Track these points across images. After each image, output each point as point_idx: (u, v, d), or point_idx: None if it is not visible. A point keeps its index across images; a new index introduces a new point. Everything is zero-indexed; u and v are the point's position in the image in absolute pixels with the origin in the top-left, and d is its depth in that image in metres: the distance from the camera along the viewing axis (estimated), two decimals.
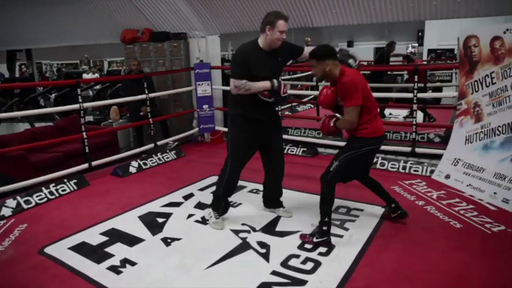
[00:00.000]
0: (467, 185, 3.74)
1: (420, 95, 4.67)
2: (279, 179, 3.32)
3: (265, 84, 2.91)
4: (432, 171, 4.20)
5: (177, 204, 3.67)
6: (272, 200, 3.39)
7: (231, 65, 3.12)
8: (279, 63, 3.03)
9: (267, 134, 3.12)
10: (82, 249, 2.88)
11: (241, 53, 2.96)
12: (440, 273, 2.43)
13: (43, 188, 3.94)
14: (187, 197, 3.85)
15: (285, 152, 5.39)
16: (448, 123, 5.29)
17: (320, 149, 5.33)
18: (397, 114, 7.83)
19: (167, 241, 2.96)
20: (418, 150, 4.54)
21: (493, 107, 3.73)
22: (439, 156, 4.29)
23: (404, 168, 4.40)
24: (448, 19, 5.06)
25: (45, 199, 3.87)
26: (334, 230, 3.02)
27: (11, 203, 3.65)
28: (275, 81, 2.92)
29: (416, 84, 4.47)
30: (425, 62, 10.45)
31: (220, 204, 3.21)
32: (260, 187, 4.01)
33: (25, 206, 3.70)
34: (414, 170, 4.33)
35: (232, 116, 3.09)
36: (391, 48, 7.32)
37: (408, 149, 4.60)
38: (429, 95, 7.31)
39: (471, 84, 3.97)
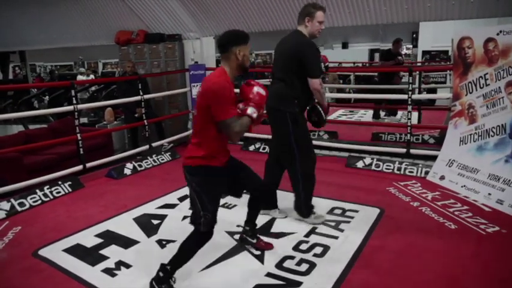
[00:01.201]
0: (461, 186, 3.76)
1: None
2: (280, 179, 3.30)
3: (325, 100, 3.00)
4: (427, 173, 4.22)
5: (172, 206, 3.66)
6: (269, 202, 3.36)
7: (311, 60, 2.87)
8: None
9: None
10: (76, 251, 2.86)
11: (315, 46, 2.93)
12: (435, 274, 2.44)
13: (37, 190, 3.92)
14: (182, 198, 3.83)
15: None
16: (443, 124, 5.32)
17: (315, 151, 5.32)
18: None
19: (162, 243, 2.94)
20: (412, 151, 4.56)
21: (487, 108, 3.75)
22: (433, 158, 4.31)
23: (399, 169, 4.42)
24: (442, 21, 5.09)
25: (40, 201, 3.85)
26: (329, 231, 3.03)
27: (5, 205, 3.62)
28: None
29: (411, 85, 4.50)
30: (419, 64, 10.52)
31: (310, 206, 3.16)
32: None
33: (19, 209, 3.67)
34: (409, 171, 4.35)
35: (294, 115, 2.95)
36: (398, 46, 7.19)
37: (403, 150, 4.62)
38: (423, 96, 7.35)
39: (465, 86, 3.99)
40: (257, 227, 2.81)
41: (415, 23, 9.65)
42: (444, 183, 3.96)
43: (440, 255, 2.65)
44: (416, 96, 5.10)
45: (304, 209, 3.15)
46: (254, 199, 2.66)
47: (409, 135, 4.59)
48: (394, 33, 11.37)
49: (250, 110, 2.16)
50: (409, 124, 4.58)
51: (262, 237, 2.85)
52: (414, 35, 11.88)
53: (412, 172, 4.33)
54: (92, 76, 13.17)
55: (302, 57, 2.86)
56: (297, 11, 5.35)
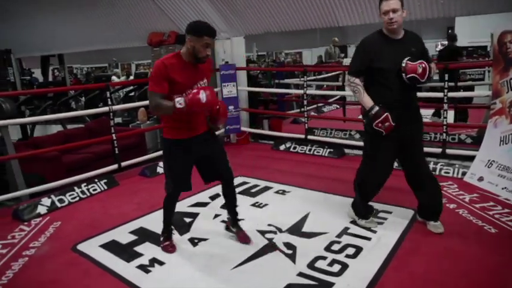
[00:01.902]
0: (502, 188, 3.59)
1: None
2: (410, 180, 3.00)
3: (368, 102, 2.69)
4: (464, 173, 4.07)
5: (203, 205, 3.71)
6: (432, 211, 2.98)
7: (352, 56, 2.82)
8: (410, 53, 2.64)
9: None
10: (112, 247, 2.96)
11: (363, 43, 2.74)
12: (472, 279, 2.35)
13: (75, 188, 4.08)
14: (213, 197, 3.87)
15: (311, 153, 5.36)
16: (481, 123, 5.12)
17: (347, 150, 5.26)
18: (427, 114, 7.64)
19: (194, 241, 2.99)
20: (448, 151, 4.41)
21: None
22: (471, 158, 4.15)
23: (434, 170, 4.26)
24: (480, 15, 4.88)
25: (78, 198, 4.01)
26: (361, 232, 2.98)
27: (46, 201, 3.80)
28: (376, 108, 2.65)
29: (446, 83, 4.34)
30: None
31: (360, 210, 3.07)
32: (286, 188, 4.01)
33: (59, 205, 3.84)
34: (445, 172, 4.21)
35: (367, 121, 2.77)
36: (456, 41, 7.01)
37: (438, 150, 4.47)
38: (460, 94, 7.08)
39: (506, 83, 3.82)
40: (238, 215, 2.98)
41: (450, 18, 9.33)
42: (483, 184, 3.80)
43: (479, 260, 2.54)
44: (452, 94, 4.92)
45: (361, 210, 3.08)
46: (225, 191, 2.91)
47: (444, 134, 4.44)
48: (428, 29, 11.02)
49: (177, 99, 2.32)
50: (444, 123, 4.43)
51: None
52: (450, 31, 11.48)
53: (448, 173, 4.19)
54: (131, 77, 13.53)
55: None
56: (328, 9, 5.35)
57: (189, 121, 2.54)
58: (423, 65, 2.59)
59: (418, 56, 2.64)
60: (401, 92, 2.70)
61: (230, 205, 2.94)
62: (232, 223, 2.98)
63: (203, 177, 2.84)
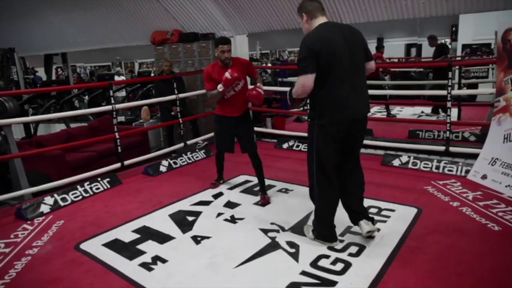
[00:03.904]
0: (506, 186, 3.58)
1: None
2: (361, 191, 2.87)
3: None
4: (467, 171, 4.05)
5: (206, 203, 3.71)
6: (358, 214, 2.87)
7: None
8: None
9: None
10: (115, 245, 2.96)
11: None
12: (476, 277, 2.33)
13: (78, 186, 4.09)
14: (216, 196, 3.88)
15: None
16: (485, 121, 5.09)
17: None
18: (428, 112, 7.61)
19: (197, 239, 2.99)
20: (452, 149, 4.39)
21: None
22: (474, 156, 4.13)
23: (437, 168, 4.26)
24: (485, 12, 4.83)
25: (80, 197, 4.01)
26: None
27: (49, 200, 3.80)
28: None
29: (450, 81, 4.32)
30: (459, 58, 10.09)
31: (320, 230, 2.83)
32: (289, 186, 4.01)
33: (62, 204, 3.84)
34: (448, 170, 4.19)
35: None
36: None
37: (442, 148, 4.45)
38: (464, 92, 7.05)
39: (510, 80, 3.79)
40: (265, 184, 3.77)
41: (454, 16, 9.28)
42: (486, 182, 3.78)
43: (483, 257, 2.53)
44: (456, 91, 4.90)
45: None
46: (252, 162, 3.74)
47: (448, 132, 4.41)
48: (432, 27, 10.96)
49: (218, 85, 3.41)
50: (448, 121, 4.41)
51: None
52: (454, 28, 11.42)
53: (451, 171, 4.17)
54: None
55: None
56: (331, 7, 5.32)
57: (231, 106, 3.59)
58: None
59: None
60: None
61: (256, 173, 3.74)
62: (258, 189, 3.79)
63: (240, 147, 3.75)
